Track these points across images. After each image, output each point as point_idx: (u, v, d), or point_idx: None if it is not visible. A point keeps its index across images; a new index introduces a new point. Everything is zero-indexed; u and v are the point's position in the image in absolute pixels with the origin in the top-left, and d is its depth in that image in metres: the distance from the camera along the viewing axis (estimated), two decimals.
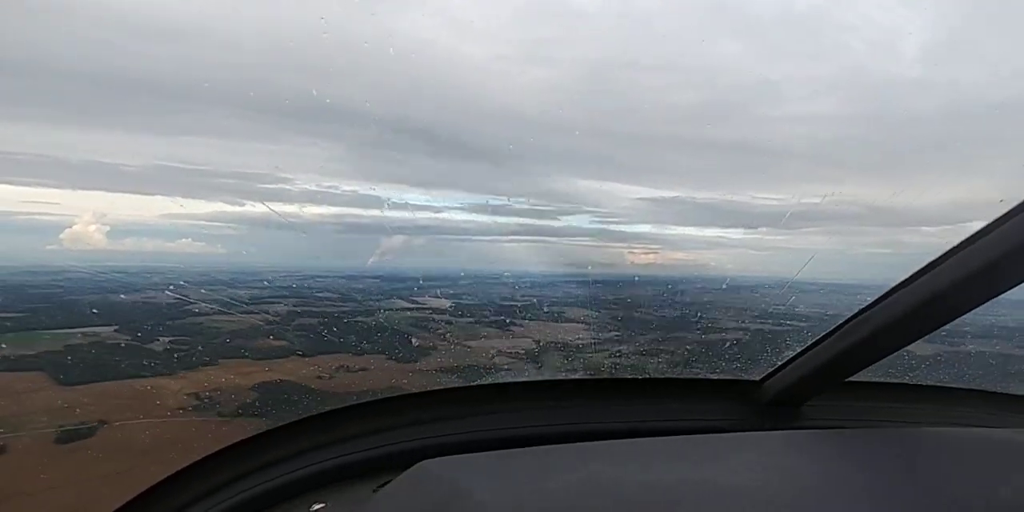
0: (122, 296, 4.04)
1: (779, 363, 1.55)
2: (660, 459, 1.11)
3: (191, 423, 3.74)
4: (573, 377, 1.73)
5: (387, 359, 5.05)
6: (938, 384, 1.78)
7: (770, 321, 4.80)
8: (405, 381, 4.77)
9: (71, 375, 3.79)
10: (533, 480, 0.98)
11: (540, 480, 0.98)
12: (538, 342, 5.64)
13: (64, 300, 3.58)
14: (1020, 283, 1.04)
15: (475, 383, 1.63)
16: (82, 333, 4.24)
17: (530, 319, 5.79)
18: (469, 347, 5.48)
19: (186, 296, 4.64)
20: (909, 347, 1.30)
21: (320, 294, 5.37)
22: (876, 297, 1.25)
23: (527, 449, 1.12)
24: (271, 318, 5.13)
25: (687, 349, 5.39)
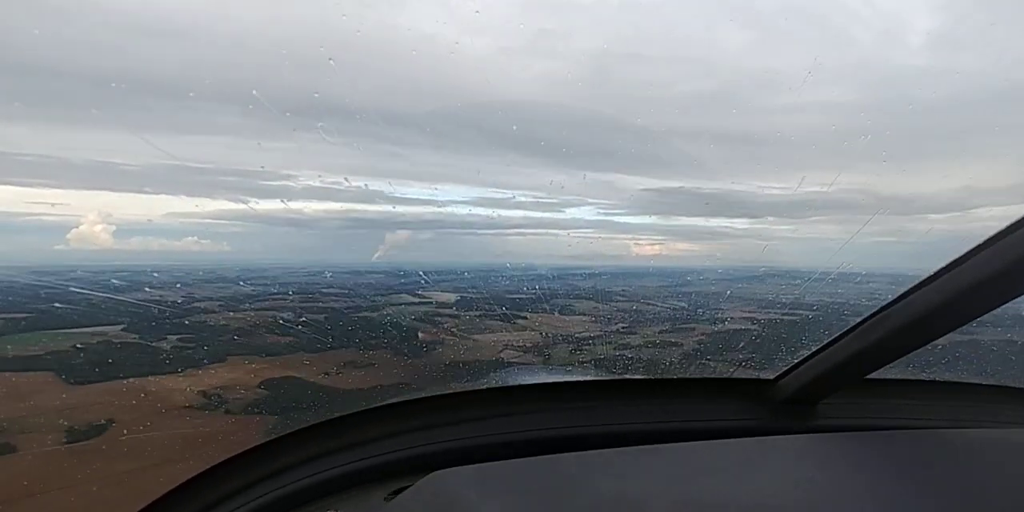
0: (129, 295, 4.04)
1: (794, 362, 1.53)
2: (676, 469, 1.09)
3: (200, 421, 3.75)
4: (584, 379, 1.70)
5: (394, 354, 5.05)
6: (959, 380, 1.75)
7: (778, 311, 4.77)
8: (413, 376, 4.77)
9: (79, 375, 3.80)
10: (546, 494, 0.96)
11: (552, 494, 0.96)
12: (545, 335, 5.63)
13: (71, 300, 3.58)
14: None
15: (483, 386, 1.61)
16: (90, 332, 4.25)
17: (536, 312, 5.77)
18: (476, 341, 5.48)
19: (193, 294, 4.64)
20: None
21: (326, 290, 5.37)
22: (895, 296, 1.22)
23: (539, 458, 1.10)
24: (278, 314, 5.14)
25: (696, 340, 5.37)
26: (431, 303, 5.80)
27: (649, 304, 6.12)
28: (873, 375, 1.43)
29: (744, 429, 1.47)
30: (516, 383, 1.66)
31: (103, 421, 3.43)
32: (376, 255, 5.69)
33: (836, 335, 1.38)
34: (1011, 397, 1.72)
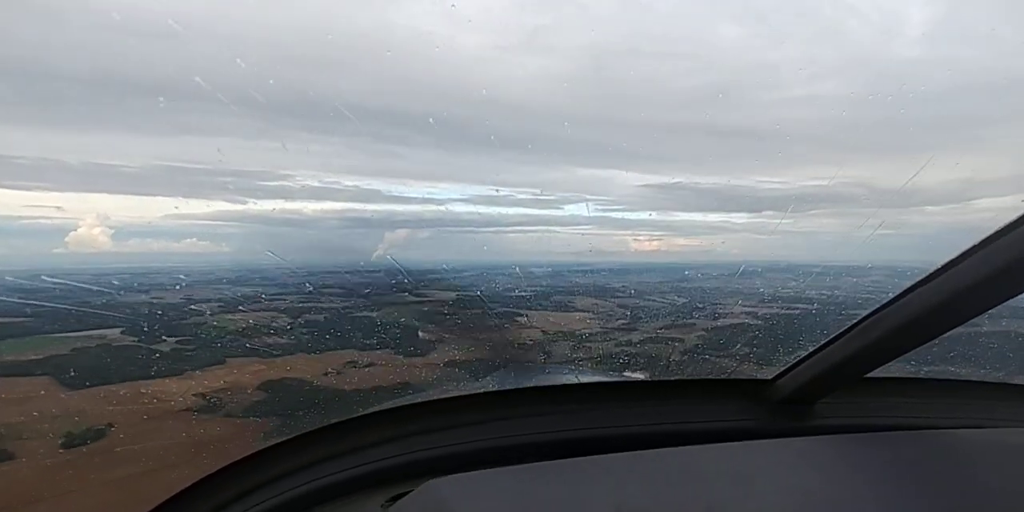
0: (128, 297, 4.04)
1: (791, 362, 1.52)
2: (676, 474, 1.08)
3: (199, 424, 3.75)
4: (582, 381, 1.69)
5: (394, 353, 5.05)
6: (957, 378, 1.74)
7: (778, 304, 4.77)
8: (413, 375, 4.77)
9: (78, 378, 3.80)
10: (545, 502, 0.96)
11: (552, 502, 0.95)
12: (545, 332, 5.63)
13: (70, 303, 3.57)
14: None
15: (481, 390, 1.60)
16: (88, 336, 4.24)
17: (537, 309, 5.77)
18: (476, 339, 5.47)
19: (192, 296, 4.64)
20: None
21: (326, 290, 5.36)
22: (893, 295, 1.21)
23: (537, 465, 1.09)
24: (277, 315, 5.13)
25: (696, 336, 5.37)
26: (431, 301, 5.79)
27: (649, 300, 6.11)
28: (871, 374, 1.42)
29: (743, 429, 1.46)
30: (514, 386, 1.64)
31: (102, 425, 3.43)
32: (375, 254, 5.68)
33: (834, 335, 1.37)
34: (1010, 395, 1.71)
